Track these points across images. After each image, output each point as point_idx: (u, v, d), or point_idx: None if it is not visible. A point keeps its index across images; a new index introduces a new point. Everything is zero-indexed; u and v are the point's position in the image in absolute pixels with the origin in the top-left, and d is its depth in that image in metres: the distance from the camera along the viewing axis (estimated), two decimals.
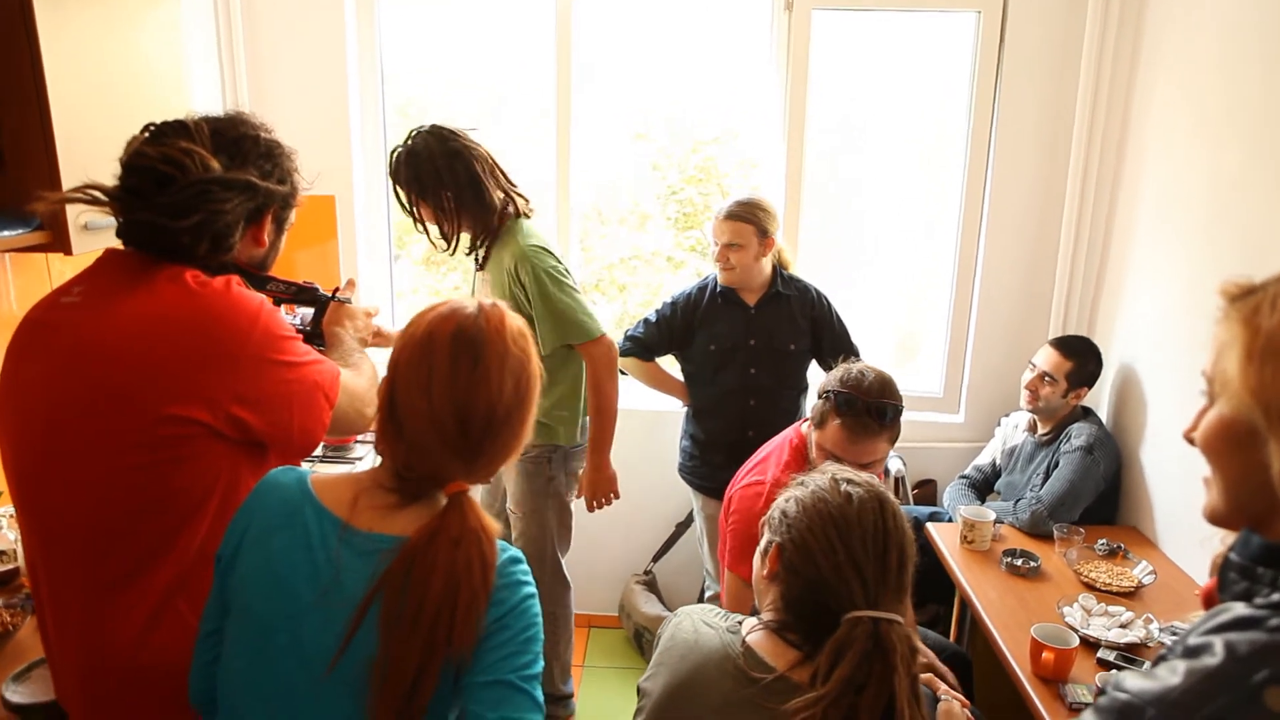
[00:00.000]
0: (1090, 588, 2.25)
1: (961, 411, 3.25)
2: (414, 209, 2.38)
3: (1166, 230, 2.59)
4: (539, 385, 1.14)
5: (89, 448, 1.21)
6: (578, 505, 2.68)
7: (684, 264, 4.20)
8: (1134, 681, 0.80)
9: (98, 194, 1.25)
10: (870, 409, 1.93)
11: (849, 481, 1.31)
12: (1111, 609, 2.12)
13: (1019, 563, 2.34)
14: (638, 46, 3.41)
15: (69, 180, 1.67)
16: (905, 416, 2.04)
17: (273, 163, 1.38)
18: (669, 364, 2.95)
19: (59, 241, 1.70)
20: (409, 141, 2.34)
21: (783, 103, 3.07)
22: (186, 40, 2.66)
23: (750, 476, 2.16)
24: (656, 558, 3.33)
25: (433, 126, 2.35)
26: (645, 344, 2.85)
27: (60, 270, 2.11)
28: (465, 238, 2.46)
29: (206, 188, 1.26)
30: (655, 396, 3.02)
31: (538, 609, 1.11)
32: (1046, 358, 2.69)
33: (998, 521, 2.55)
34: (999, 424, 3.00)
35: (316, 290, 1.66)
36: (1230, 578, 0.84)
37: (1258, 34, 2.19)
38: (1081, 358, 2.67)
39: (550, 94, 3.12)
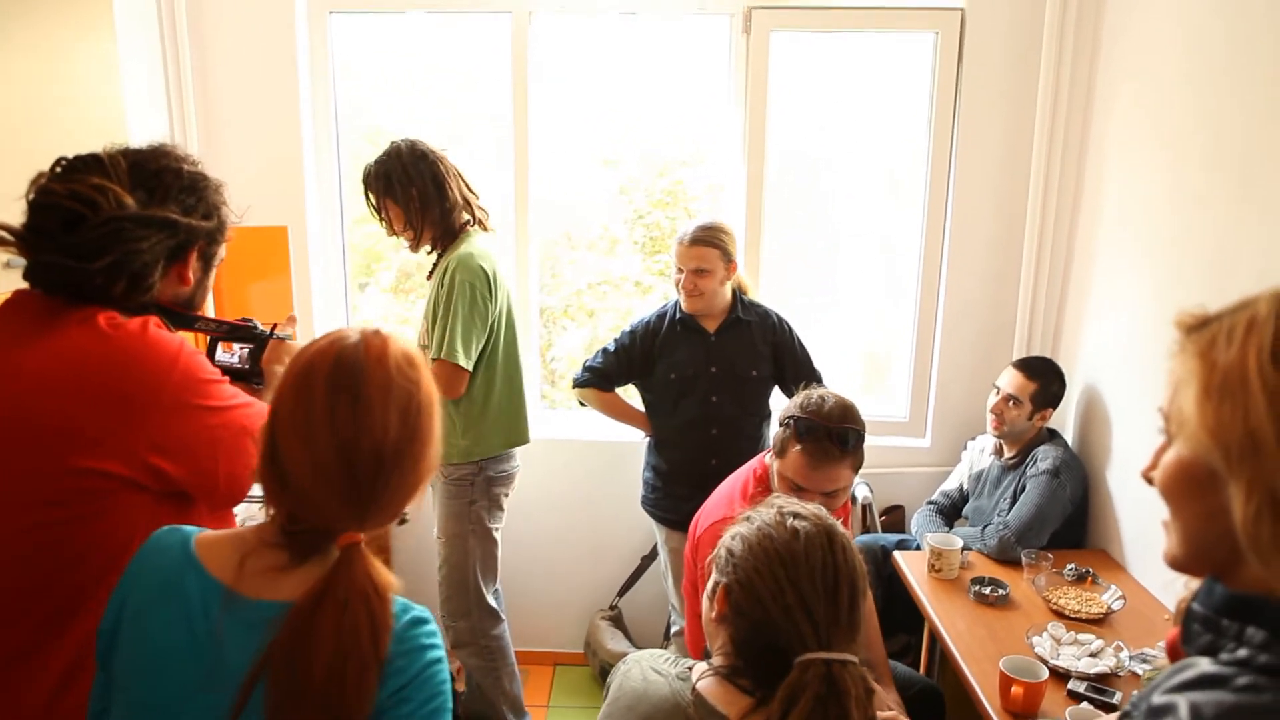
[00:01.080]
0: (1059, 615, 2.21)
1: (928, 436, 3.21)
2: (381, 209, 2.50)
3: (1129, 248, 2.58)
4: (436, 414, 1.03)
5: None
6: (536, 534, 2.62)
7: (652, 289, 4.17)
8: None
9: (3, 234, 1.18)
10: (831, 434, 1.88)
11: (796, 515, 1.25)
12: (1081, 637, 2.07)
13: (987, 591, 2.30)
14: (602, 71, 3.38)
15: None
16: (871, 441, 2.01)
17: (197, 196, 1.31)
18: (630, 395, 2.90)
19: None
20: (383, 151, 2.50)
21: (743, 125, 3.05)
22: (130, 69, 2.62)
23: (717, 511, 2.10)
24: (621, 592, 3.25)
25: (405, 139, 2.51)
26: (604, 374, 2.79)
27: None
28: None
29: (120, 226, 1.19)
30: (617, 428, 2.96)
31: (445, 676, 1.01)
32: (1010, 380, 2.66)
33: (965, 549, 2.51)
34: (965, 448, 2.97)
35: (254, 327, 1.58)
36: (1194, 629, 0.79)
37: (1218, 47, 2.19)
38: (1045, 378, 2.64)
39: (508, 117, 3.08)
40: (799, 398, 1.97)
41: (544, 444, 3.05)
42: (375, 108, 3.32)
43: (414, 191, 2.45)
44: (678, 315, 2.73)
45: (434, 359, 2.41)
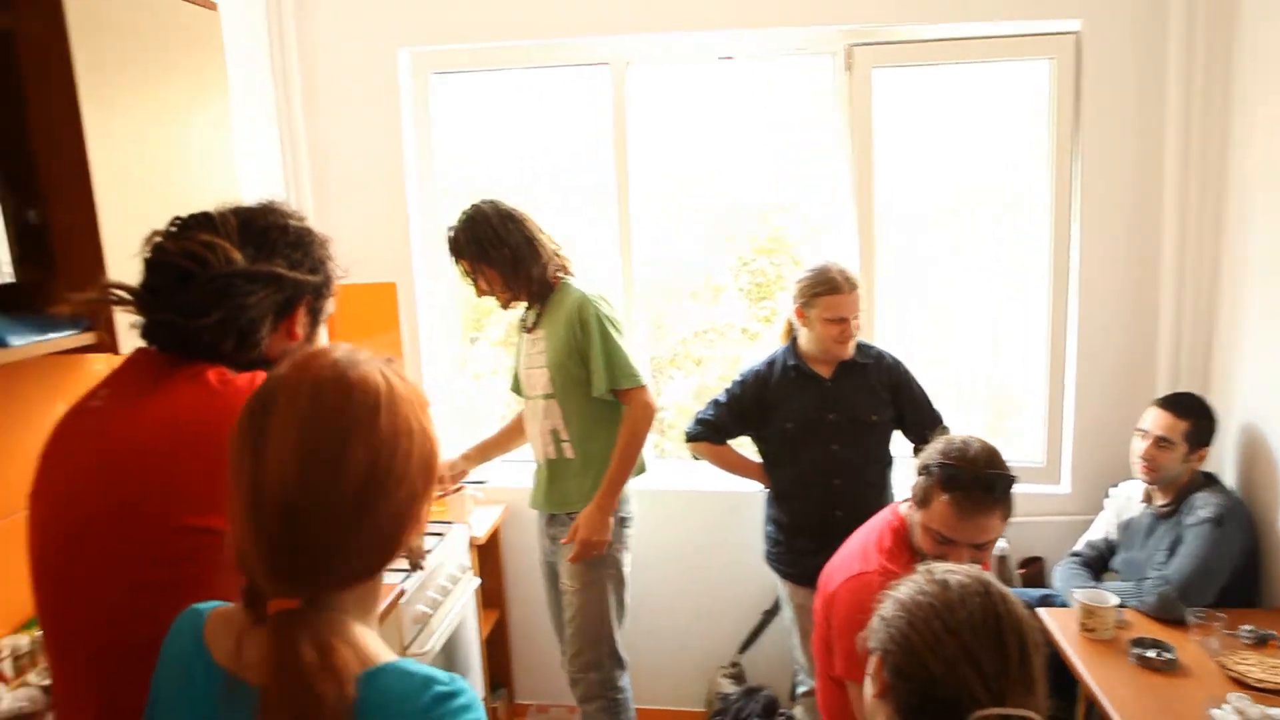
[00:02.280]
0: (1241, 684, 1.97)
1: (1065, 481, 2.99)
2: (475, 275, 2.51)
3: None
4: (396, 458, 0.87)
5: (106, 565, 1.11)
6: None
7: (759, 335, 4.11)
8: None
9: (121, 294, 1.19)
10: (979, 481, 1.76)
11: (947, 571, 1.18)
12: (1271, 711, 1.83)
13: (1151, 654, 2.07)
14: (699, 117, 3.36)
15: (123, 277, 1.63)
16: None
17: (303, 251, 1.30)
18: (744, 447, 2.80)
19: (108, 342, 1.66)
20: (464, 215, 2.50)
21: (849, 163, 2.95)
22: (249, 134, 2.71)
23: (850, 566, 1.96)
24: (743, 648, 3.11)
25: (486, 200, 2.51)
26: (715, 426, 2.70)
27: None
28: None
29: (229, 282, 1.19)
30: (731, 478, 2.85)
31: None
32: (1157, 420, 2.45)
33: (1121, 606, 2.28)
34: (1108, 495, 2.74)
35: None
36: None
37: None
38: (1196, 415, 2.42)
39: (610, 172, 3.07)
40: (939, 444, 1.84)
41: (657, 494, 2.99)
42: (475, 163, 3.36)
43: (507, 252, 2.46)
44: (790, 361, 2.63)
45: (617, 390, 2.45)
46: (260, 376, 1.20)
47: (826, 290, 2.52)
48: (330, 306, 1.40)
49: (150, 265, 1.20)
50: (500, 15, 2.90)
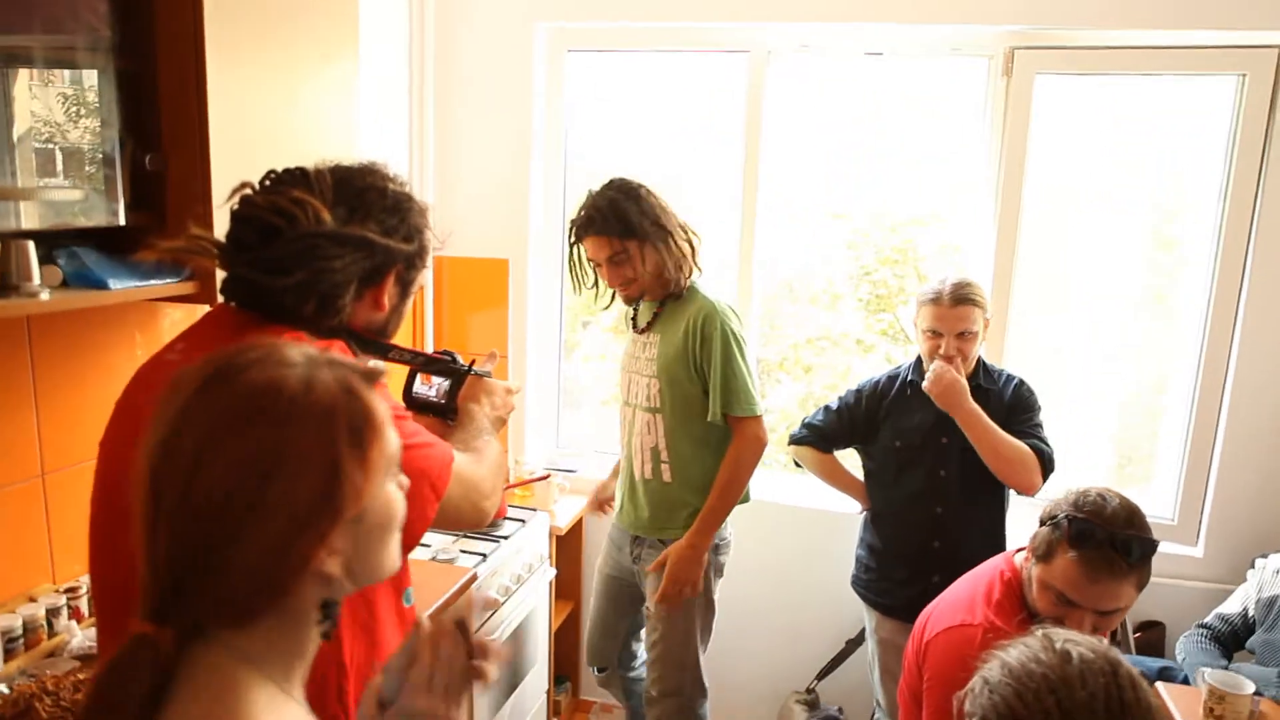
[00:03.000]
0: None
1: (1200, 544, 2.72)
2: (620, 256, 2.28)
3: None
4: (249, 493, 0.74)
5: None
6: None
7: (873, 348, 3.96)
8: None
9: (206, 245, 1.16)
10: (1115, 541, 1.55)
11: (1069, 640, 1.04)
12: None
13: None
14: (834, 119, 3.20)
15: (222, 232, 1.63)
16: None
17: (399, 217, 1.24)
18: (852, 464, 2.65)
19: (205, 292, 1.67)
20: (616, 187, 2.29)
21: (996, 176, 2.75)
22: (376, 97, 2.72)
23: (952, 615, 1.79)
24: (821, 675, 2.97)
25: (621, 179, 2.32)
26: (823, 433, 2.56)
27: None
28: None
29: (314, 242, 1.13)
30: (833, 496, 2.71)
31: None
32: None
33: (1257, 694, 2.03)
34: (1253, 565, 2.46)
35: (453, 359, 1.51)
36: None
37: None
38: None
39: (738, 167, 2.96)
40: (1072, 493, 1.66)
41: (750, 505, 2.84)
42: (601, 146, 3.30)
43: (667, 236, 2.27)
44: (910, 378, 2.47)
45: (733, 416, 2.28)
46: (338, 348, 1.16)
47: (929, 300, 2.37)
48: (422, 279, 1.34)
49: (236, 218, 1.17)
50: None
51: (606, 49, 3.04)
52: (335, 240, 1.15)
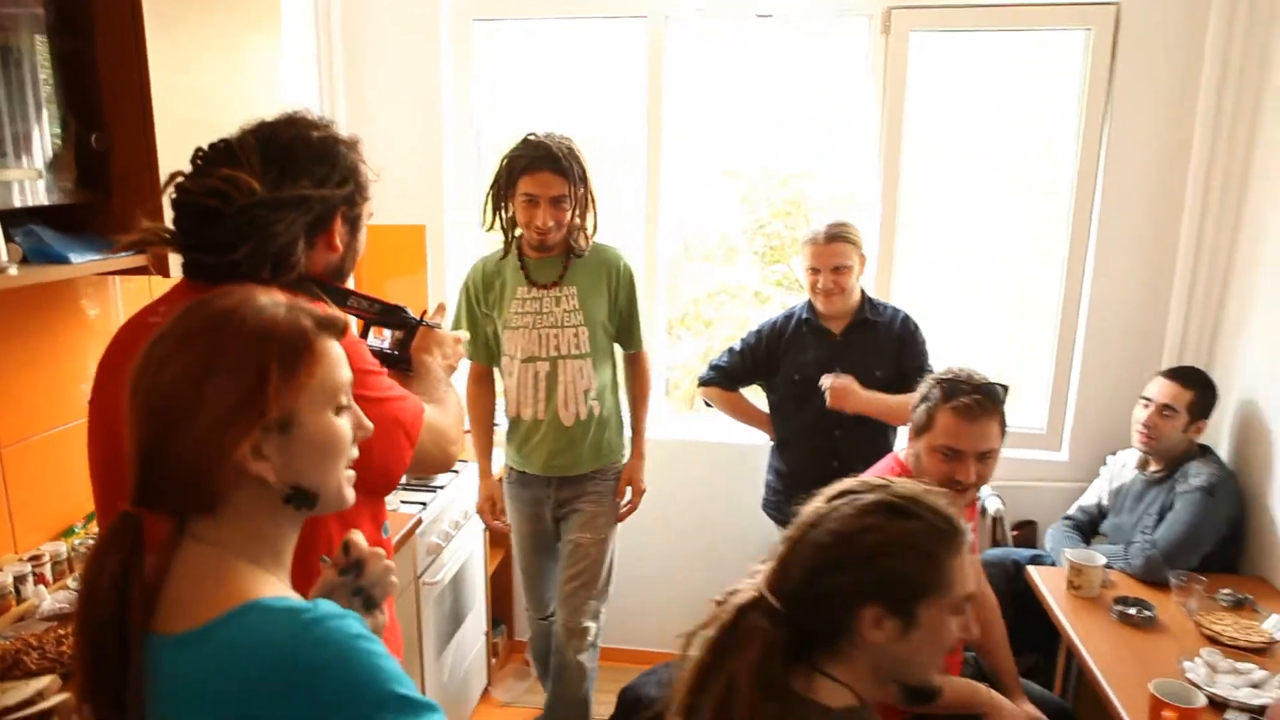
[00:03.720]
0: (1215, 642, 2.07)
1: (1065, 449, 3.08)
2: (562, 203, 2.35)
3: None
4: (188, 391, 0.88)
5: None
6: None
7: (770, 298, 4.14)
8: None
9: (157, 235, 1.25)
10: (978, 389, 1.89)
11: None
12: (1240, 666, 1.93)
13: (1132, 611, 2.18)
14: (729, 78, 3.38)
15: (170, 207, 1.72)
16: (1006, 454, 2.00)
17: (330, 164, 1.31)
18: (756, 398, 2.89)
19: (158, 264, 1.75)
20: (557, 137, 2.35)
21: (879, 128, 3.00)
22: (288, 68, 2.76)
23: None
24: None
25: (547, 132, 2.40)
26: (729, 373, 2.79)
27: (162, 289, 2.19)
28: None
29: (253, 214, 1.20)
30: (740, 430, 2.96)
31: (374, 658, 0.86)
32: (1162, 389, 2.52)
33: (1107, 566, 2.38)
34: (1105, 462, 2.82)
35: (404, 312, 1.60)
36: None
37: None
38: (1200, 387, 2.50)
39: (641, 133, 3.12)
40: (933, 376, 1.98)
41: (662, 443, 3.05)
42: (510, 112, 3.40)
43: (591, 188, 2.41)
44: (804, 315, 2.71)
45: (637, 352, 2.61)
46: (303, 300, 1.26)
47: (807, 240, 2.63)
48: (368, 210, 1.42)
49: (176, 206, 1.24)
50: None
51: (511, 17, 3.14)
52: (271, 206, 1.22)
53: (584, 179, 2.37)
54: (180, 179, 1.25)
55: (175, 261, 1.72)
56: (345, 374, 0.98)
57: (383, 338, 1.64)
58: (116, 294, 2.14)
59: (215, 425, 0.87)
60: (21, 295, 1.84)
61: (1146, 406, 2.54)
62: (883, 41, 2.95)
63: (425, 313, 1.64)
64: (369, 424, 1.02)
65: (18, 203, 1.53)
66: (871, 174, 3.05)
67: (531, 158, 2.32)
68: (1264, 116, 2.62)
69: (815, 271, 2.62)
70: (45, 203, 1.59)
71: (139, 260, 1.73)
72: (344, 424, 0.98)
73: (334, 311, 1.00)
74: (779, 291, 4.17)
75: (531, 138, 2.36)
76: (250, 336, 0.90)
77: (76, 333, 2.01)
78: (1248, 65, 2.64)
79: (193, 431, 0.87)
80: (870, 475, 2.09)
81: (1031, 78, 3.11)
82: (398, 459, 1.32)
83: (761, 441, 2.92)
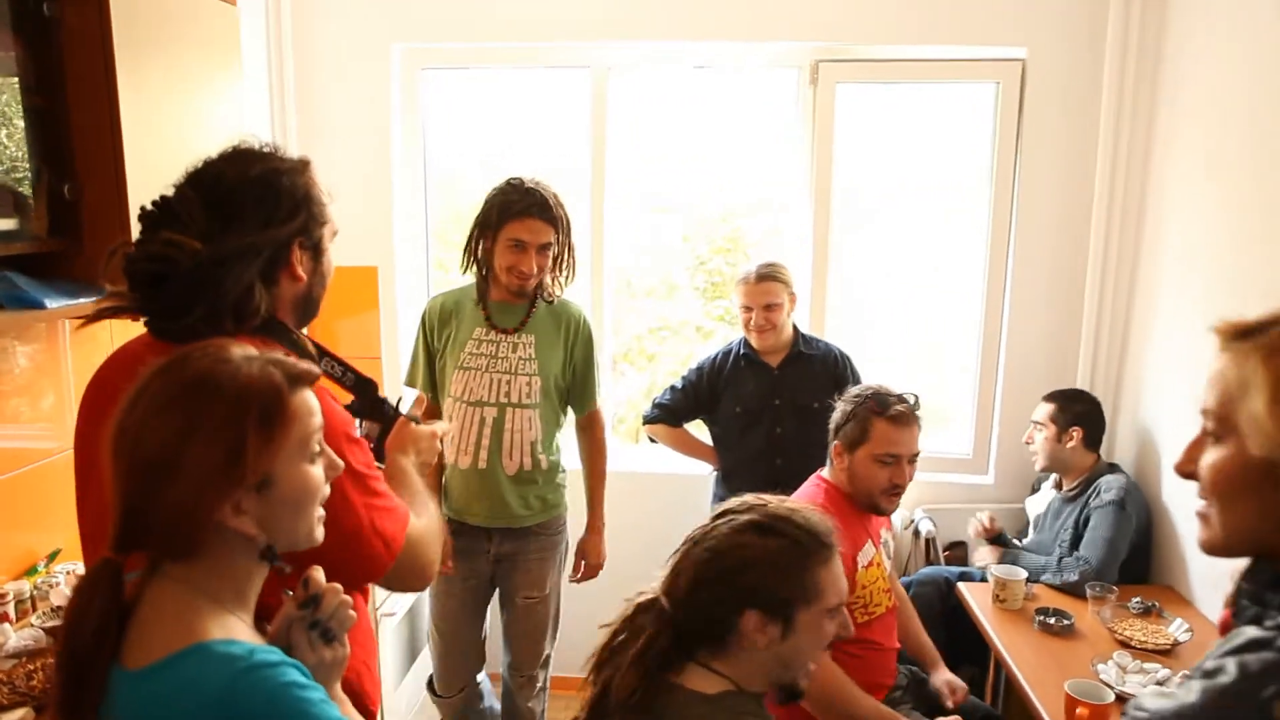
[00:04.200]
0: (1125, 645, 2.25)
1: (991, 472, 3.26)
2: (548, 251, 2.37)
3: (1191, 286, 2.64)
4: (170, 454, 0.93)
5: None
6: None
7: (713, 333, 4.25)
8: (1153, 702, 0.85)
9: (119, 303, 1.26)
10: (902, 399, 2.12)
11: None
12: (1147, 666, 2.11)
13: (1052, 621, 2.34)
14: (669, 122, 3.55)
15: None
16: (935, 478, 2.19)
17: (274, 199, 1.26)
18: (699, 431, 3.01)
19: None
20: (545, 185, 2.37)
21: (810, 171, 3.18)
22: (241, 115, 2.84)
23: None
24: None
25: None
26: (672, 410, 2.92)
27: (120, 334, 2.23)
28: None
29: (199, 275, 1.19)
30: (684, 462, 3.08)
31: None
32: (1037, 409, 2.82)
33: (1031, 580, 2.55)
34: (1032, 493, 3.03)
35: (383, 401, 1.49)
36: (1243, 605, 0.89)
37: (1272, 97, 2.27)
38: (1066, 399, 2.78)
39: (585, 174, 3.25)
40: (848, 398, 2.21)
41: (610, 477, 3.12)
42: (459, 157, 3.52)
43: (570, 234, 2.43)
44: (742, 351, 2.87)
45: (592, 413, 2.59)
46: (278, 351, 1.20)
47: (740, 280, 2.81)
48: (329, 231, 1.37)
49: (127, 274, 1.23)
50: (488, 16, 3.07)
51: (459, 66, 3.27)
52: (217, 262, 1.19)
53: (568, 230, 2.41)
54: (126, 249, 1.23)
55: None
56: (317, 421, 1.03)
57: (359, 430, 1.49)
58: (65, 337, 2.15)
59: (196, 488, 0.93)
60: None
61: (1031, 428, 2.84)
62: (811, 91, 3.15)
63: (399, 402, 1.55)
64: (340, 462, 1.09)
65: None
66: (804, 213, 3.23)
67: (526, 204, 2.32)
68: (1154, 161, 2.87)
69: (748, 309, 2.78)
70: (17, 252, 1.66)
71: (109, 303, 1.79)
72: (317, 471, 1.04)
73: (305, 363, 1.04)
74: (721, 326, 4.30)
75: (516, 182, 2.36)
76: (227, 402, 0.95)
77: (32, 376, 2.04)
78: (1139, 111, 2.90)
79: (174, 493, 0.92)
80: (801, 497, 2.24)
81: (950, 124, 3.33)
82: (374, 565, 1.28)
83: (705, 471, 3.05)
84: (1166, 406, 2.74)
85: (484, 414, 2.42)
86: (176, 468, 0.92)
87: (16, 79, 1.64)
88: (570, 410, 2.58)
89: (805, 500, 2.25)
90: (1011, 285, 3.13)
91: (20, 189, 1.65)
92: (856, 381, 2.84)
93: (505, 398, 2.42)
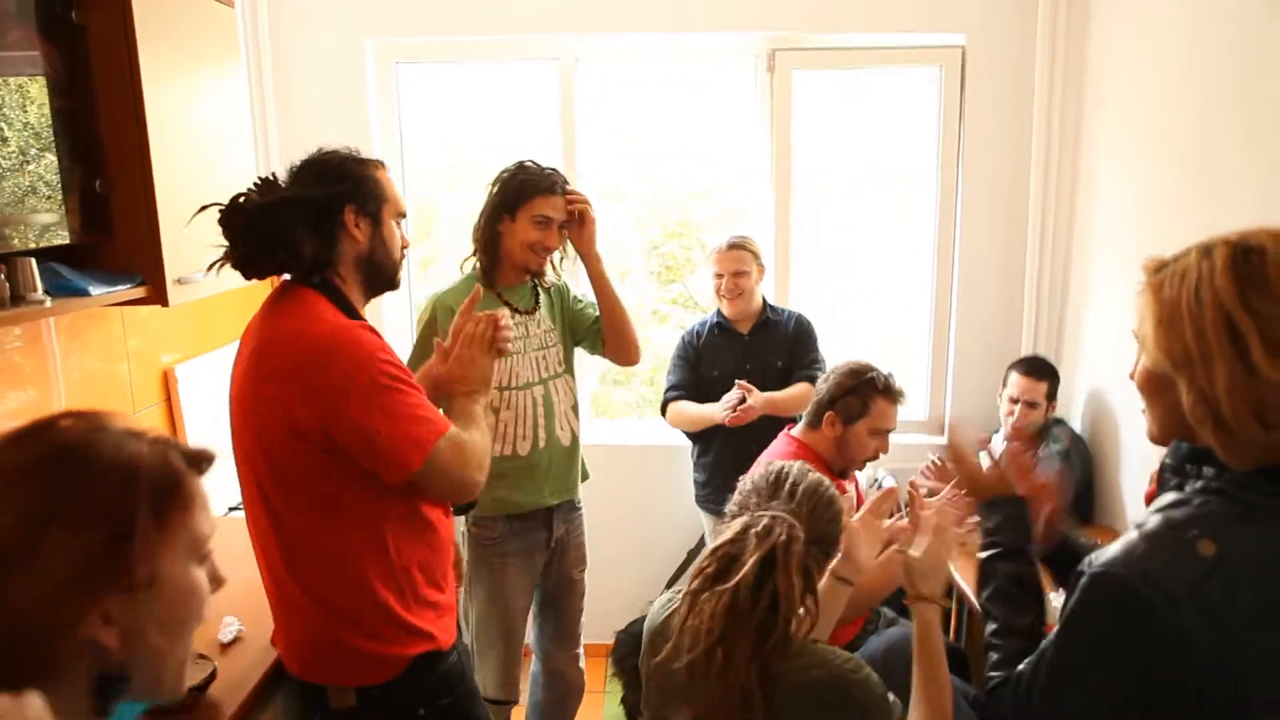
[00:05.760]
0: None
1: (945, 434, 3.50)
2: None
3: (1121, 252, 2.90)
4: (14, 545, 0.72)
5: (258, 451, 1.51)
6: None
7: (668, 317, 4.40)
8: (1102, 556, 1.06)
9: (226, 259, 1.55)
10: (893, 379, 2.37)
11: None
12: None
13: None
14: (632, 112, 3.70)
15: (170, 241, 1.90)
16: (895, 440, 2.47)
17: (320, 169, 1.58)
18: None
19: (158, 295, 1.93)
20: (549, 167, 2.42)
21: (769, 155, 3.37)
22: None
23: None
24: (670, 584, 3.52)
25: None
26: (685, 385, 3.08)
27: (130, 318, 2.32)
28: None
29: (260, 224, 1.50)
30: (669, 433, 3.23)
31: None
32: (1021, 386, 2.98)
33: None
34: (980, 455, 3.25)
35: None
36: (1166, 478, 1.13)
37: (1193, 66, 2.52)
38: (1049, 375, 2.98)
39: (558, 163, 3.35)
40: (843, 369, 2.38)
41: (598, 448, 3.23)
42: (436, 147, 3.63)
43: None
44: (716, 320, 3.09)
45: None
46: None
47: (713, 250, 3.02)
48: (392, 210, 1.66)
49: (222, 229, 1.53)
50: (459, 10, 3.19)
51: (432, 60, 3.38)
52: (266, 208, 1.51)
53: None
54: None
55: (175, 293, 1.93)
56: (212, 520, 0.86)
57: None
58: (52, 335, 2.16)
59: (56, 589, 0.71)
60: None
61: (1014, 405, 2.98)
62: (768, 79, 3.33)
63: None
64: (223, 575, 0.88)
65: (40, 243, 1.69)
66: (765, 194, 3.42)
67: (550, 181, 2.37)
68: (1084, 132, 3.13)
69: (719, 276, 2.99)
70: (56, 244, 1.76)
71: (140, 292, 1.90)
72: (205, 580, 0.84)
73: (201, 447, 0.86)
74: (675, 309, 4.45)
75: (529, 163, 2.40)
76: (108, 476, 0.75)
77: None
78: (1069, 89, 3.14)
79: (23, 597, 0.70)
80: (771, 456, 2.43)
81: (899, 106, 3.56)
82: (398, 468, 1.49)
83: (683, 442, 3.22)
84: (1107, 366, 3.00)
85: (533, 394, 2.44)
86: (27, 561, 0.70)
87: (46, 81, 1.73)
88: (593, 348, 2.60)
89: (776, 455, 2.46)
90: (959, 257, 3.37)
91: (54, 186, 1.74)
92: (809, 338, 3.05)
93: (545, 373, 2.46)
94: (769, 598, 1.37)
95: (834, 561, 1.76)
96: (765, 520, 1.45)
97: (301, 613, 1.55)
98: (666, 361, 3.20)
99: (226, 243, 1.52)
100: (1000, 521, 1.38)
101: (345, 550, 1.51)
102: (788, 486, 1.58)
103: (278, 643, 1.64)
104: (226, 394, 1.57)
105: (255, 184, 1.55)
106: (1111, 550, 1.06)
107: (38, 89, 1.69)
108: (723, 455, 3.02)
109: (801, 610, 1.40)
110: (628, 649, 2.50)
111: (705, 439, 3.08)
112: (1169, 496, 1.09)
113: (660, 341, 4.07)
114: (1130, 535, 1.06)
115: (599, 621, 3.53)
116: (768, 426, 2.93)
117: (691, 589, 1.44)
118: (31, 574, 0.70)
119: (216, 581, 0.86)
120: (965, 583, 2.53)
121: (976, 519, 1.48)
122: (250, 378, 1.51)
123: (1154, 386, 1.11)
